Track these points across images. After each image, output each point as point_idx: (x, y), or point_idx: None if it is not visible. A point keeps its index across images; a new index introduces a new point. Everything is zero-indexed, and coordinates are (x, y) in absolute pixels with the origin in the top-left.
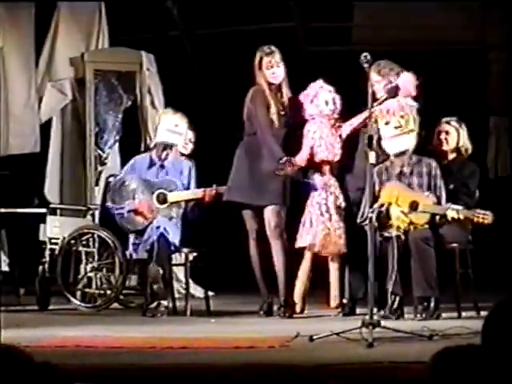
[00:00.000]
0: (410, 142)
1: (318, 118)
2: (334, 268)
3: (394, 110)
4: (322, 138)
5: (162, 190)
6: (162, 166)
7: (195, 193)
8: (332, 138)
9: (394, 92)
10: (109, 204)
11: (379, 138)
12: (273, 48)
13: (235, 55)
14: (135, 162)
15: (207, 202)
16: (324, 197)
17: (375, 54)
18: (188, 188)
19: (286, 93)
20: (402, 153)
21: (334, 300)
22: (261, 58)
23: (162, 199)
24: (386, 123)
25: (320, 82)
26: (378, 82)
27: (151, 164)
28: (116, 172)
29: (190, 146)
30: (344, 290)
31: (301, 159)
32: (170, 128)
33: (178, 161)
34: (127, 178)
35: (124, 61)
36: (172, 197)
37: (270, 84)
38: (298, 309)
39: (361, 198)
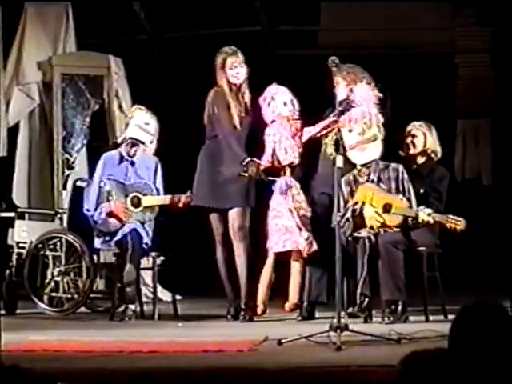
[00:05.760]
0: (376, 151)
1: (278, 120)
2: (295, 271)
3: (357, 118)
4: (281, 142)
5: (136, 194)
6: (133, 163)
7: (169, 198)
8: (291, 140)
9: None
10: (86, 209)
11: (344, 151)
12: (235, 48)
13: (203, 59)
14: (105, 159)
15: (181, 208)
16: (284, 199)
17: (342, 58)
18: (154, 184)
19: (247, 94)
20: (369, 162)
21: (289, 303)
22: (224, 59)
23: (136, 203)
24: (350, 131)
25: (276, 85)
26: (338, 84)
27: (121, 160)
28: (84, 176)
29: (153, 147)
30: (303, 294)
31: (264, 162)
32: (141, 125)
33: (145, 157)
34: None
35: (91, 65)
36: (146, 201)
37: (231, 85)
38: (259, 311)
39: (328, 202)
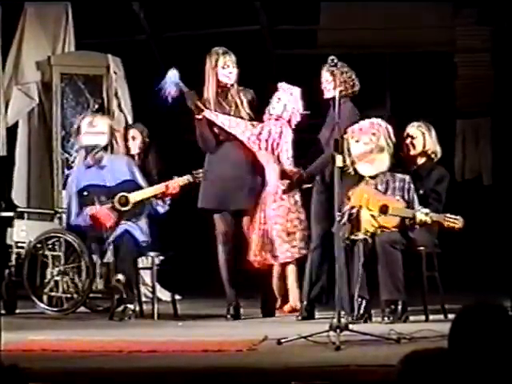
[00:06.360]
0: (384, 163)
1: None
2: (290, 273)
3: (366, 129)
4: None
5: (123, 193)
6: (102, 167)
7: (157, 188)
8: (249, 142)
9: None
10: (71, 221)
11: (353, 162)
12: (226, 49)
13: (203, 59)
14: (74, 172)
15: (170, 194)
16: (266, 203)
17: (341, 57)
18: (136, 183)
19: (240, 94)
20: (377, 174)
21: (288, 305)
22: (217, 59)
23: (124, 201)
24: (357, 141)
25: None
26: (327, 82)
27: (88, 166)
28: None
29: (137, 144)
30: (302, 294)
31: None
32: (87, 130)
33: (114, 159)
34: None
35: (91, 64)
36: (133, 197)
37: (221, 85)
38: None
39: (327, 202)
